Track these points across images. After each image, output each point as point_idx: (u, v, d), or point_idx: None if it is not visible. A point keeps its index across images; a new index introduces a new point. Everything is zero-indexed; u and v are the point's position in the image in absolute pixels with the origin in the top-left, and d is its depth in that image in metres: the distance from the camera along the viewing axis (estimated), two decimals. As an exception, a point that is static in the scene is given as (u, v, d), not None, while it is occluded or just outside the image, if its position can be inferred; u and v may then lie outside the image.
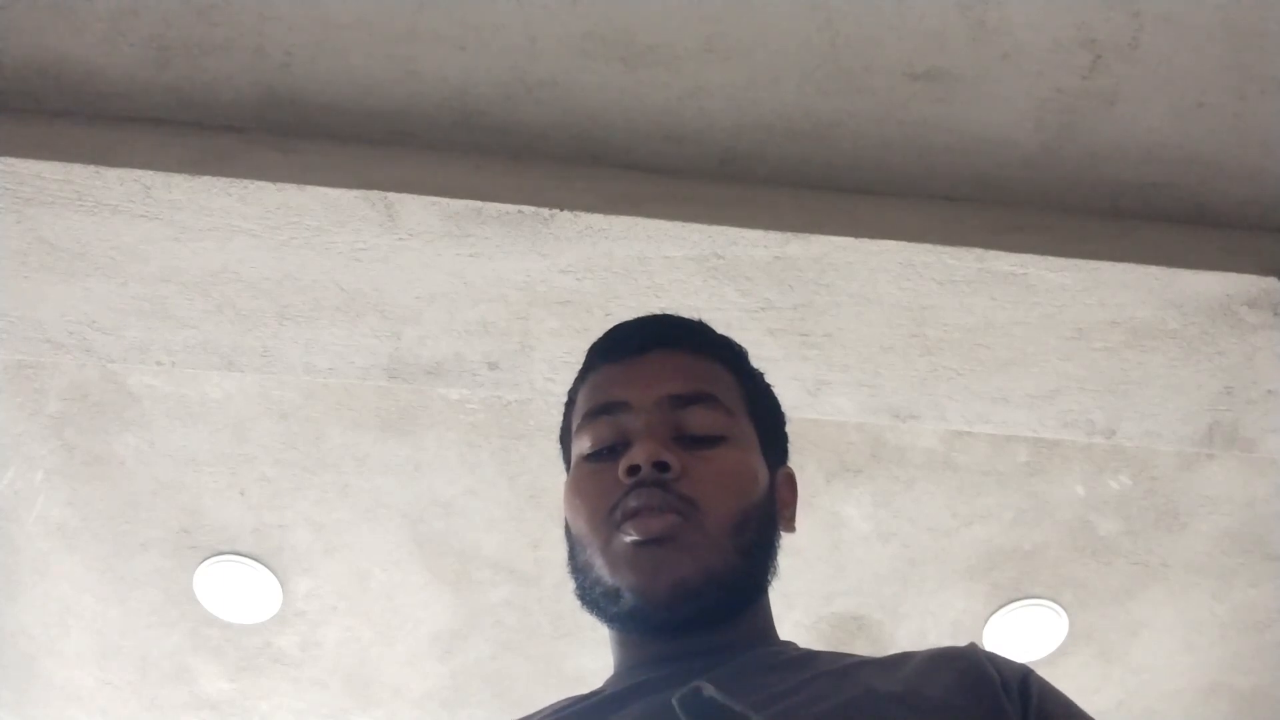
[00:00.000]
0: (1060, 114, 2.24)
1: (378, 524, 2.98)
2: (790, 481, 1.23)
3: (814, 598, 3.07)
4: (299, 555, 3.04)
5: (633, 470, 1.09)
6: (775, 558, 1.16)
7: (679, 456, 1.10)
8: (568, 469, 1.21)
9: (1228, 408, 2.39)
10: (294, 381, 2.68)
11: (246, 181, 2.13)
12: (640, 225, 2.19)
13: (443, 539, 2.99)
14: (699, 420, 1.13)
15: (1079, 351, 2.33)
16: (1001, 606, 3.14)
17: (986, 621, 3.16)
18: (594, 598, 1.10)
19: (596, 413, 1.16)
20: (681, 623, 1.08)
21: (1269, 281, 2.24)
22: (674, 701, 0.81)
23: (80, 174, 2.11)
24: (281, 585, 3.08)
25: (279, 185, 2.14)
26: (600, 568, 1.09)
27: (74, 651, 3.21)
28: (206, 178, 2.12)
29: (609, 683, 1.13)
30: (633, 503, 1.08)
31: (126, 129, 2.18)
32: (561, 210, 2.17)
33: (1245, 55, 2.17)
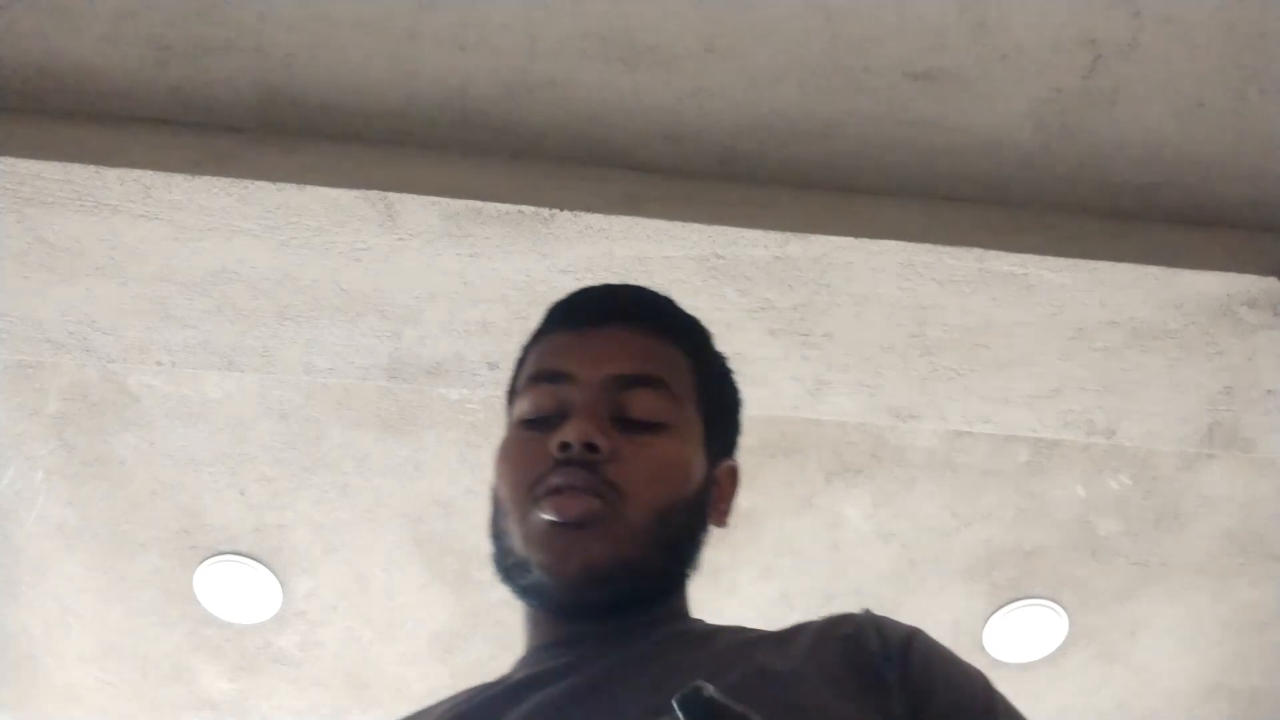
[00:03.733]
0: (1060, 114, 2.24)
1: (378, 524, 2.98)
2: (732, 475, 1.19)
3: (814, 598, 3.07)
4: (299, 555, 3.04)
5: (564, 447, 1.06)
6: (699, 552, 1.14)
7: (612, 439, 1.07)
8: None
9: (1228, 408, 2.39)
10: (294, 381, 2.68)
11: (246, 181, 2.13)
12: (640, 225, 2.18)
13: (443, 539, 2.99)
14: (641, 404, 1.10)
15: (1079, 351, 2.33)
16: (1001, 606, 3.14)
17: (986, 621, 3.16)
18: (506, 567, 1.09)
19: (540, 378, 1.13)
20: (588, 607, 1.06)
21: (1269, 281, 2.24)
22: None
23: (80, 174, 2.10)
24: (281, 585, 3.08)
25: (279, 185, 2.14)
26: (515, 538, 1.07)
27: (74, 651, 3.21)
28: (206, 178, 2.12)
29: (515, 667, 1.12)
30: (556, 480, 1.05)
31: (126, 129, 2.18)
32: (561, 210, 2.17)
33: (1245, 55, 2.17)
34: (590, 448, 1.05)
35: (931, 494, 2.95)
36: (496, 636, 3.14)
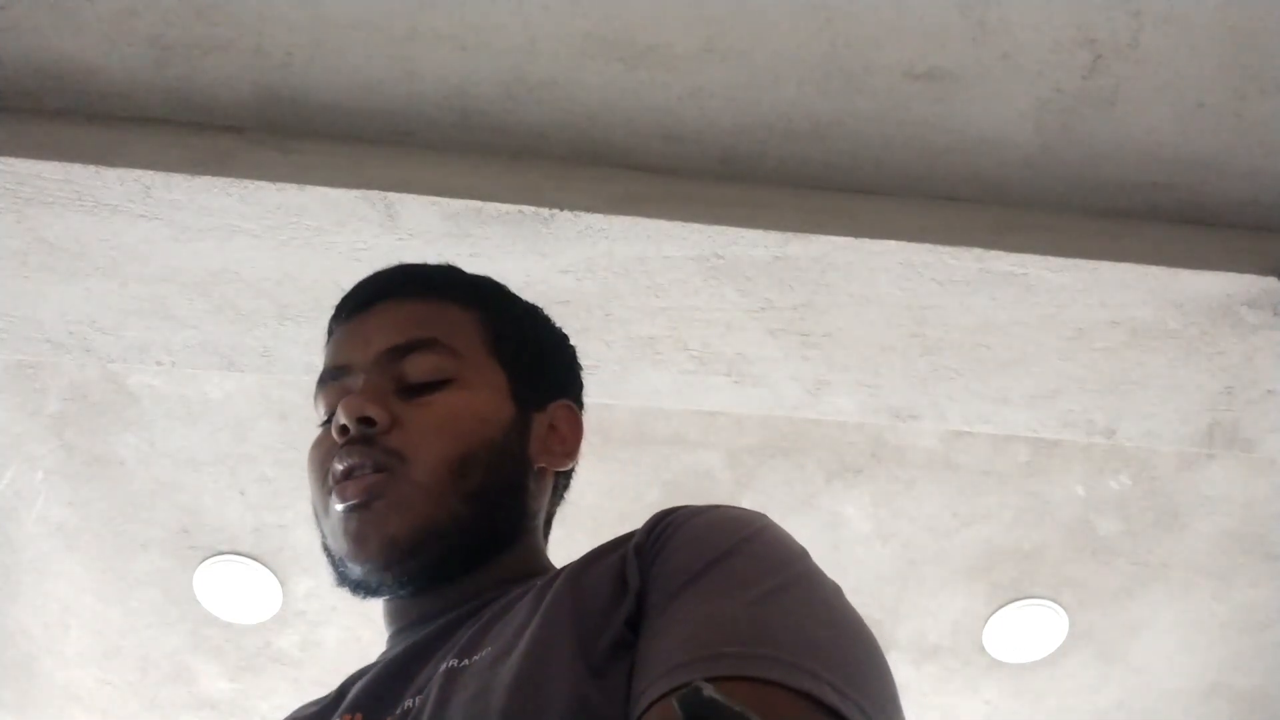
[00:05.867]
0: (1060, 114, 2.24)
1: (378, 524, 2.98)
2: (569, 414, 1.16)
3: (814, 598, 3.06)
4: (299, 555, 3.04)
5: (342, 430, 1.04)
6: (528, 497, 1.09)
7: (390, 408, 1.04)
8: None
9: (1228, 408, 2.39)
10: (294, 381, 2.68)
11: (246, 181, 2.13)
12: (640, 225, 2.19)
13: (443, 539, 2.98)
14: (418, 367, 1.08)
15: (1079, 351, 2.33)
16: (1001, 606, 3.14)
17: (986, 621, 3.16)
18: (336, 575, 1.06)
19: (324, 379, 1.12)
20: (414, 579, 1.03)
21: (1269, 281, 2.24)
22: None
23: (80, 174, 2.11)
24: (281, 585, 3.08)
25: (279, 185, 2.14)
26: (328, 539, 1.06)
27: (74, 651, 3.21)
28: (206, 178, 2.12)
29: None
30: (338, 465, 1.03)
31: (126, 129, 2.18)
32: (561, 210, 2.17)
33: (1245, 55, 2.17)
34: (365, 422, 1.03)
35: (931, 494, 2.95)
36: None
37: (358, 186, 2.15)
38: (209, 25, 2.13)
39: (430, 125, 2.24)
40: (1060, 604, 3.15)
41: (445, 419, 1.05)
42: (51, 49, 2.15)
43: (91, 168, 2.10)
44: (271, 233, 2.18)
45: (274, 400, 2.78)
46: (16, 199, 2.12)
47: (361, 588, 1.04)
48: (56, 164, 2.10)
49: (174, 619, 3.15)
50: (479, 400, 1.08)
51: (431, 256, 2.21)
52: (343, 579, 1.05)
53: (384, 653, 1.06)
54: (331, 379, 1.11)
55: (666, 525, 0.95)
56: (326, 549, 1.07)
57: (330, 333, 1.16)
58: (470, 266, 2.24)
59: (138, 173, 2.11)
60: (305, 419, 2.81)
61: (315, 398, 1.13)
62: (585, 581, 0.94)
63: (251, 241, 2.19)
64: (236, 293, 2.25)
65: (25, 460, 2.88)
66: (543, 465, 1.12)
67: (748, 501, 2.90)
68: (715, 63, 2.18)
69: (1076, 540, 3.05)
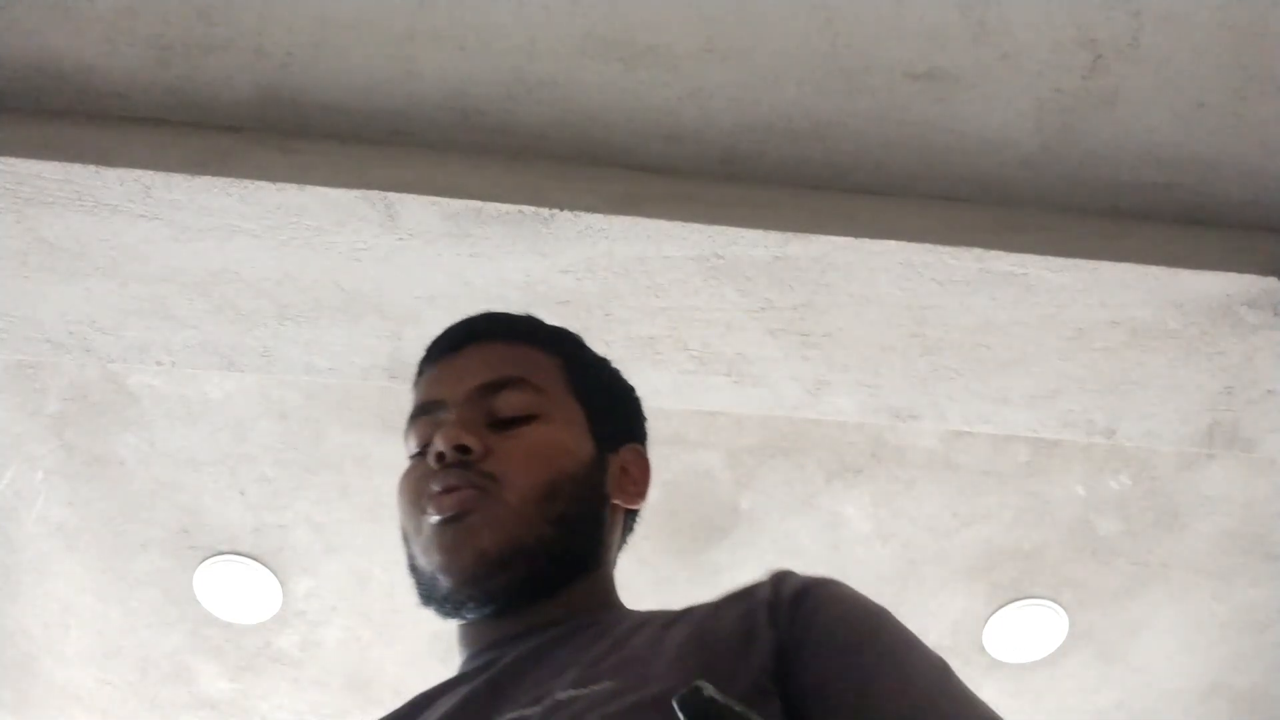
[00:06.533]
0: (1060, 114, 2.24)
1: (378, 524, 2.98)
2: (639, 459, 1.24)
3: (814, 598, 3.06)
4: (299, 555, 3.04)
5: (439, 457, 1.11)
6: (604, 530, 1.17)
7: (484, 438, 1.12)
8: None
9: (1228, 408, 2.39)
10: (294, 381, 2.68)
11: (246, 181, 2.13)
12: (640, 225, 2.19)
13: (443, 539, 2.98)
14: (508, 402, 1.15)
15: (1079, 351, 2.33)
16: (1001, 606, 3.14)
17: (986, 621, 3.16)
18: (423, 591, 1.12)
19: (417, 414, 1.20)
20: (496, 598, 1.09)
21: (1269, 281, 2.24)
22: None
23: (80, 174, 2.11)
24: (281, 585, 3.08)
25: (279, 185, 2.14)
26: (419, 558, 1.12)
27: (74, 651, 3.21)
28: (206, 178, 2.12)
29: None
30: (435, 486, 1.11)
31: (126, 129, 2.18)
32: (561, 210, 2.17)
33: (1245, 55, 2.17)
34: (461, 449, 1.11)
35: (931, 494, 2.95)
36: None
37: (358, 186, 2.15)
38: (209, 25, 2.13)
39: (430, 125, 2.24)
40: (1060, 604, 3.15)
41: (534, 448, 1.13)
42: (51, 49, 2.15)
43: (91, 168, 2.10)
44: (271, 233, 2.18)
45: (274, 400, 2.78)
46: (16, 199, 2.12)
47: (448, 602, 1.10)
48: (56, 164, 2.10)
49: (174, 619, 3.15)
50: (564, 435, 1.16)
51: (431, 256, 2.22)
52: (429, 595, 1.11)
53: (463, 674, 1.10)
54: (424, 414, 1.19)
55: (802, 593, 1.04)
56: (414, 567, 1.14)
57: (420, 373, 1.25)
58: (470, 266, 2.25)
59: (138, 173, 2.11)
60: (305, 419, 2.81)
61: (406, 432, 1.21)
62: (713, 628, 1.02)
63: (251, 241, 2.19)
64: (236, 293, 2.25)
65: (25, 460, 2.88)
66: (616, 502, 1.19)
67: (747, 501, 2.90)
68: (715, 63, 2.18)
69: (1076, 540, 3.05)
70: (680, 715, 0.81)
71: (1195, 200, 2.34)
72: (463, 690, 1.06)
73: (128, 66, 2.17)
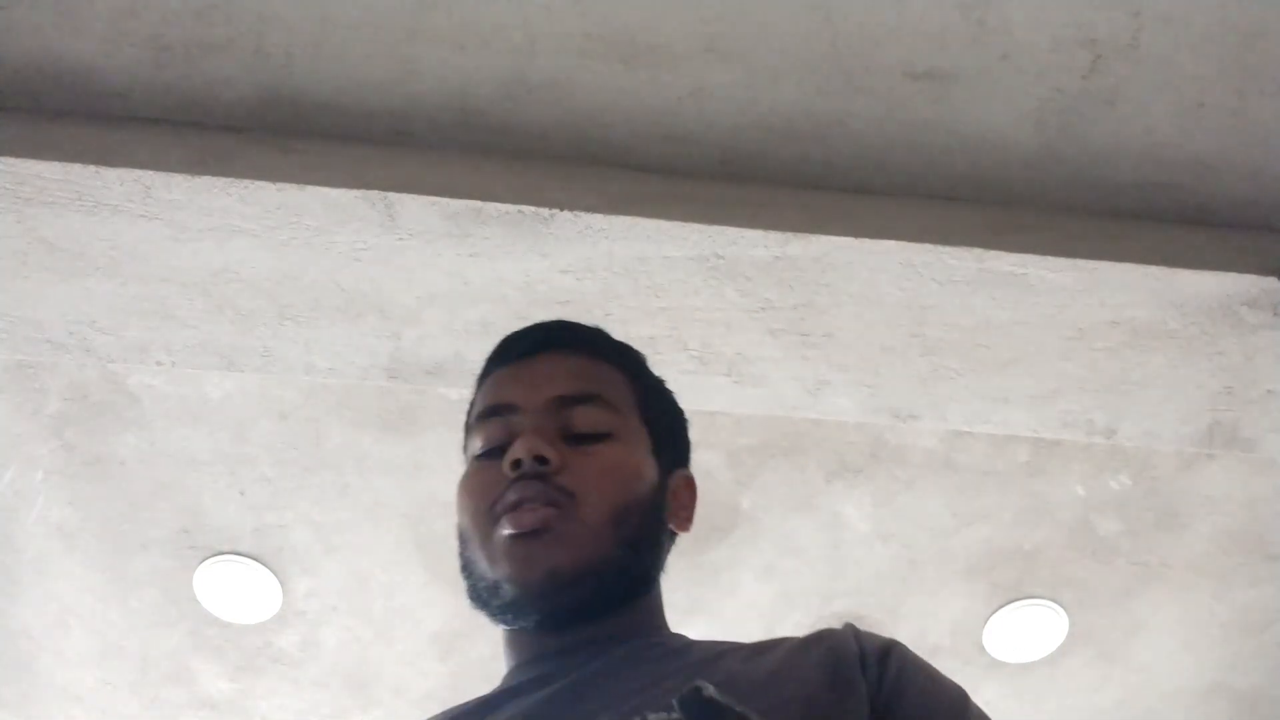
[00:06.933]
0: (1060, 114, 2.24)
1: (378, 524, 2.98)
2: (689, 485, 1.25)
3: (814, 598, 3.07)
4: (299, 555, 3.04)
5: (515, 464, 1.11)
6: (662, 553, 1.19)
7: (561, 452, 1.12)
8: None
9: (1228, 408, 2.39)
10: (294, 381, 2.68)
11: (246, 181, 2.13)
12: (640, 225, 2.19)
13: (443, 539, 2.97)
14: (584, 418, 1.16)
15: (1079, 351, 2.33)
16: (1001, 606, 3.14)
17: (986, 621, 3.16)
18: (479, 594, 1.13)
19: (487, 414, 1.19)
20: (560, 613, 1.10)
21: (1269, 281, 2.24)
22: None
23: (80, 174, 2.10)
24: (281, 585, 3.08)
25: (279, 185, 2.14)
26: (482, 562, 1.12)
27: (74, 651, 3.21)
28: (206, 178, 2.12)
29: (499, 684, 1.16)
30: (512, 496, 1.10)
31: (126, 129, 2.18)
32: (561, 210, 2.17)
33: (1245, 55, 2.17)
34: (540, 460, 1.11)
35: (931, 494, 2.95)
36: (496, 636, 3.13)
37: (358, 186, 2.15)
38: (209, 25, 2.13)
39: (430, 125, 2.24)
40: (1060, 604, 3.15)
41: (610, 469, 1.14)
42: (51, 49, 2.15)
43: (91, 168, 2.10)
44: (271, 233, 2.18)
45: (274, 400, 2.78)
46: (16, 199, 2.12)
47: (509, 611, 1.11)
48: (56, 164, 2.10)
49: (174, 619, 3.15)
50: (636, 457, 1.17)
51: (431, 256, 2.22)
52: (487, 599, 1.12)
53: (529, 680, 1.11)
54: (495, 415, 1.18)
55: (886, 654, 1.08)
56: (472, 569, 1.14)
57: (487, 371, 1.25)
58: (470, 266, 2.25)
59: (138, 173, 2.11)
60: (305, 419, 2.81)
61: (471, 430, 1.21)
62: (802, 665, 1.06)
63: (251, 241, 2.19)
64: (236, 293, 2.25)
65: (25, 460, 2.88)
66: (671, 526, 1.21)
67: (748, 501, 2.90)
68: (715, 63, 2.18)
69: (1076, 540, 3.05)
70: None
71: (1195, 200, 2.34)
72: (539, 695, 1.07)
73: (128, 66, 2.17)
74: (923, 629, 3.13)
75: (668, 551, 1.21)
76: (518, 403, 1.17)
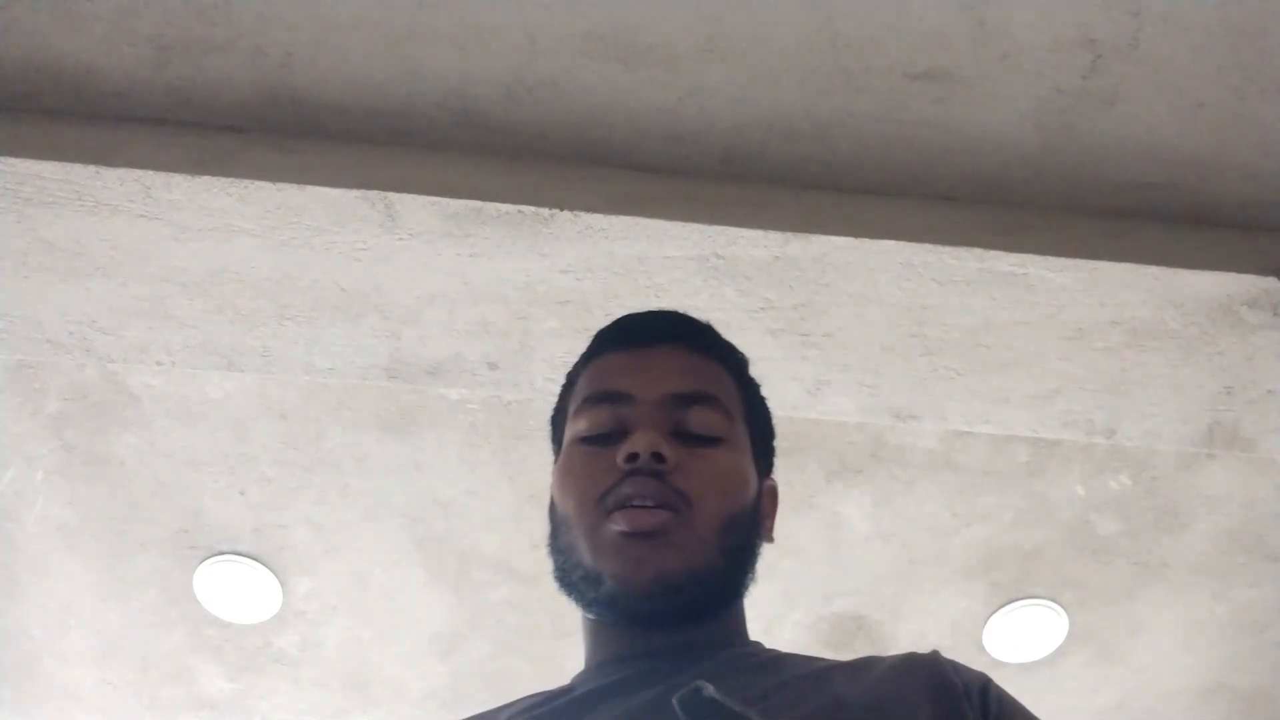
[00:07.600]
0: (1060, 114, 2.24)
1: (378, 524, 2.98)
2: (773, 494, 1.23)
3: (814, 598, 3.07)
4: (299, 555, 3.04)
5: (631, 458, 1.09)
6: (755, 564, 1.17)
7: (676, 451, 1.10)
8: (556, 449, 1.22)
9: (1228, 408, 2.39)
10: (294, 381, 2.68)
11: (246, 181, 2.13)
12: (640, 225, 2.19)
13: (443, 539, 2.99)
14: (699, 419, 1.13)
15: (1079, 351, 2.33)
16: (1001, 606, 3.14)
17: (986, 621, 3.16)
18: (573, 580, 1.11)
19: (599, 399, 1.16)
20: (659, 616, 1.08)
21: (1269, 281, 2.24)
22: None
23: (80, 174, 2.11)
24: (281, 585, 3.08)
25: (279, 185, 2.14)
26: (584, 551, 1.09)
27: (74, 651, 3.21)
28: (206, 178, 2.12)
29: (579, 678, 1.14)
30: (627, 490, 1.08)
31: (126, 129, 2.18)
32: (561, 210, 2.17)
33: (1245, 55, 2.17)
34: (658, 457, 1.09)
35: (931, 494, 2.95)
36: (496, 636, 3.14)
37: (358, 186, 2.15)
38: (209, 25, 2.13)
39: (430, 125, 2.24)
40: (1060, 604, 3.15)
41: (724, 476, 1.12)
42: (51, 49, 2.15)
43: (91, 168, 2.10)
44: (271, 233, 2.18)
45: (274, 400, 2.78)
46: (16, 199, 2.12)
47: (605, 604, 1.09)
48: (56, 164, 2.10)
49: (174, 619, 3.15)
50: (744, 464, 1.15)
51: (431, 256, 2.22)
52: (582, 588, 1.10)
53: (619, 680, 1.09)
54: (607, 401, 1.15)
55: (985, 690, 1.07)
56: (567, 553, 1.12)
57: (595, 354, 1.21)
58: (470, 266, 2.25)
59: (138, 173, 2.11)
60: (305, 419, 2.81)
61: (575, 412, 1.18)
62: (908, 692, 1.04)
63: (251, 241, 2.19)
64: (236, 293, 2.25)
65: (25, 460, 2.88)
66: (762, 536, 1.19)
67: (748, 501, 2.90)
68: (715, 63, 2.18)
69: (1076, 540, 3.05)
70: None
71: (1195, 200, 2.34)
72: (643, 695, 1.05)
73: (128, 66, 2.17)
74: (922, 629, 3.13)
75: (757, 561, 1.20)
76: (634, 393, 1.14)
